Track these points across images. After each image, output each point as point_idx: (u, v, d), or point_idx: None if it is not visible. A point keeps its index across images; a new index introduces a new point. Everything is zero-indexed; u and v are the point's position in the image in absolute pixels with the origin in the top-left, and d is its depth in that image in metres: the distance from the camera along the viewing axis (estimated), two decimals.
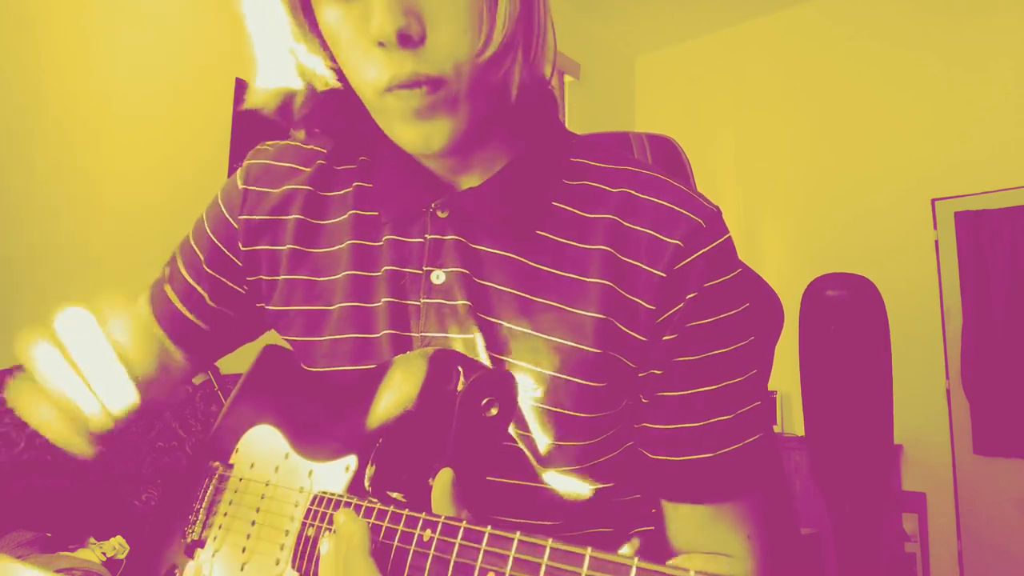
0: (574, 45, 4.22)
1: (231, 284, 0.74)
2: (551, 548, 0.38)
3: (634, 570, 0.34)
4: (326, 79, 0.61)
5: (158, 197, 2.44)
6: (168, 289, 0.76)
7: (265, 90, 0.63)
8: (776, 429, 3.88)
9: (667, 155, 0.95)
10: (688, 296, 0.58)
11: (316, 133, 0.71)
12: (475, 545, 0.42)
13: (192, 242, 0.76)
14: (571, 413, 0.60)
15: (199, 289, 0.74)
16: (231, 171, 2.63)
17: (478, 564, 0.41)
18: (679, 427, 0.60)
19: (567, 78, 4.15)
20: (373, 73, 0.54)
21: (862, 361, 1.60)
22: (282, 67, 0.62)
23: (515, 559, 0.39)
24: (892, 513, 3.50)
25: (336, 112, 0.64)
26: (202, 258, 0.74)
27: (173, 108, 2.46)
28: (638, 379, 0.61)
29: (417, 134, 0.56)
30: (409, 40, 0.52)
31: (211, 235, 0.74)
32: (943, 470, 3.59)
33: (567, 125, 3.80)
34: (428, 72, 0.53)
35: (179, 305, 0.75)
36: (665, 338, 0.59)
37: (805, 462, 2.76)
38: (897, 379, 1.68)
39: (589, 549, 0.36)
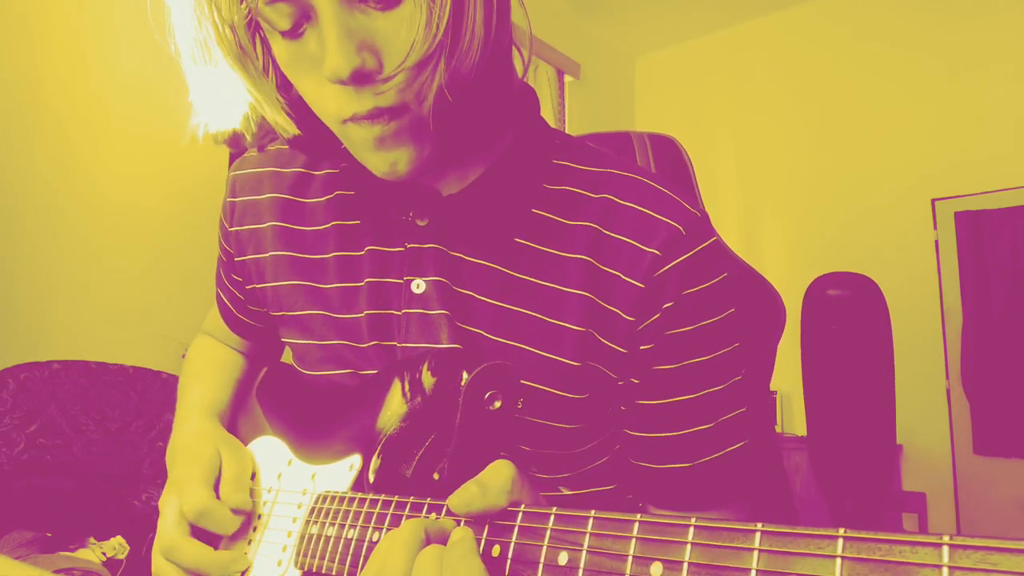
0: (574, 45, 4.22)
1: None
2: (555, 514, 0.38)
3: (636, 524, 0.34)
4: (286, 128, 0.59)
5: (158, 196, 2.44)
6: (220, 293, 0.81)
7: (216, 132, 0.61)
8: (777, 429, 3.88)
9: (669, 155, 0.95)
10: (665, 305, 0.56)
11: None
12: (480, 521, 0.42)
13: (220, 252, 0.79)
14: (553, 424, 0.60)
15: (237, 293, 0.78)
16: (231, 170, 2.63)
17: (483, 538, 0.41)
18: (658, 436, 0.60)
19: (567, 78, 4.15)
20: (332, 107, 0.53)
21: (864, 360, 1.60)
22: (230, 110, 0.58)
23: (520, 528, 0.39)
24: (892, 513, 3.50)
25: (301, 128, 0.61)
26: (227, 267, 0.78)
27: (173, 107, 2.46)
28: (618, 387, 0.60)
29: (383, 161, 0.55)
30: (365, 77, 0.49)
31: (225, 245, 0.76)
32: (943, 470, 3.59)
33: (567, 125, 3.73)
34: (389, 103, 0.51)
35: (230, 306, 0.80)
36: (643, 347, 0.58)
37: (806, 462, 2.76)
38: (897, 379, 1.68)
39: (593, 511, 0.36)
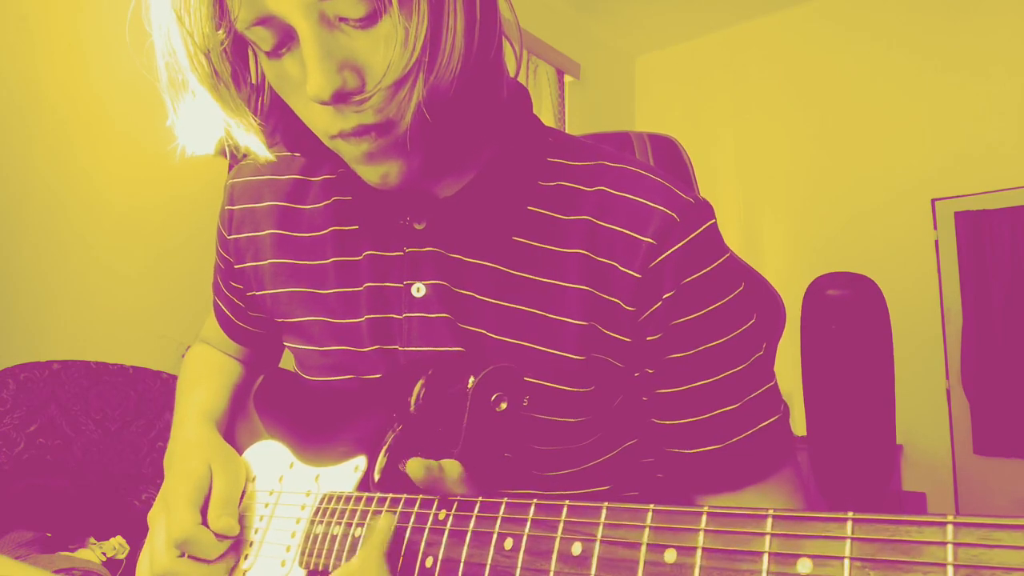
0: (574, 45, 4.22)
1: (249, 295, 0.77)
2: (568, 506, 0.38)
3: (650, 513, 0.34)
4: (258, 155, 0.59)
5: (158, 196, 2.44)
6: (218, 301, 0.81)
7: (204, 153, 0.60)
8: None
9: (668, 155, 0.95)
10: (665, 295, 0.56)
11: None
12: (491, 515, 0.42)
13: (218, 259, 0.79)
14: (558, 419, 0.60)
15: (236, 301, 0.78)
16: (231, 170, 2.63)
17: (495, 531, 0.41)
18: (684, 422, 0.59)
19: (567, 78, 4.15)
20: (320, 124, 0.53)
21: (864, 360, 1.60)
22: (207, 135, 0.58)
23: (533, 521, 0.39)
24: (892, 513, 3.50)
25: (296, 133, 0.61)
26: (225, 275, 0.77)
27: None
28: (632, 379, 0.60)
29: (374, 173, 0.55)
30: (347, 96, 0.49)
31: (224, 253, 0.76)
32: (943, 470, 3.60)
33: (567, 125, 3.72)
34: (374, 121, 0.51)
35: (228, 314, 0.80)
36: (649, 338, 0.58)
37: (806, 462, 2.76)
38: (897, 379, 1.69)
39: (606, 503, 0.37)
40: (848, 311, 1.60)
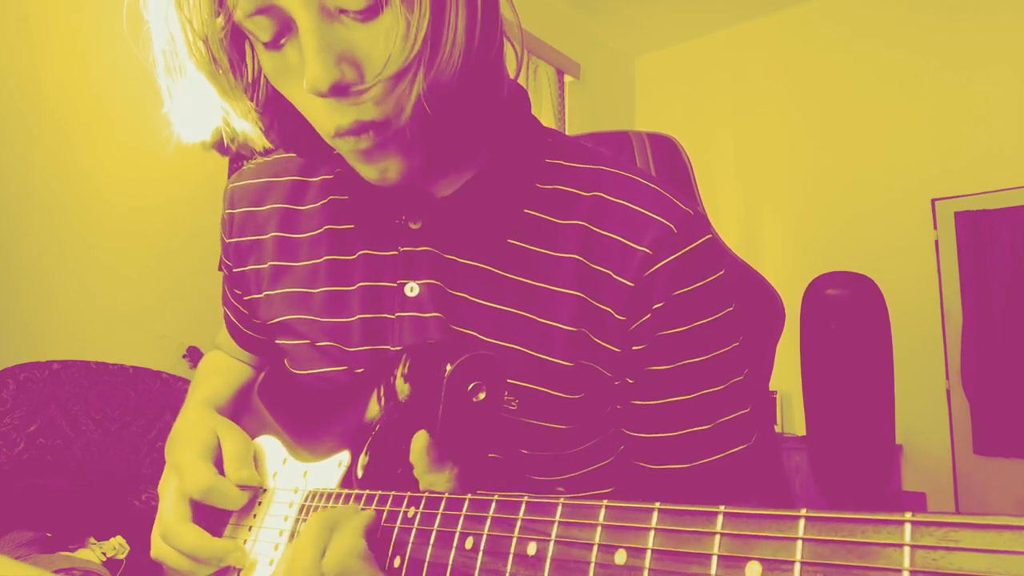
0: (574, 45, 4.22)
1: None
2: (527, 503, 0.38)
3: (603, 510, 0.34)
4: (256, 142, 0.59)
5: (158, 197, 2.44)
6: (226, 310, 0.82)
7: (199, 140, 0.60)
8: (776, 429, 3.88)
9: (668, 155, 0.95)
10: (655, 306, 0.56)
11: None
12: (456, 513, 0.42)
13: (224, 267, 0.79)
14: (548, 425, 0.59)
15: (240, 307, 0.78)
16: (231, 170, 2.64)
17: (458, 530, 0.41)
18: (654, 436, 0.59)
19: (567, 78, 4.15)
20: (319, 120, 0.53)
21: (863, 360, 1.60)
22: (203, 122, 0.58)
23: (493, 519, 0.39)
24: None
25: (293, 132, 0.60)
26: (229, 282, 0.78)
27: None
28: (614, 387, 0.60)
29: (372, 171, 0.55)
30: (345, 89, 0.49)
31: (224, 259, 0.77)
32: (943, 470, 3.59)
33: (567, 125, 3.70)
34: (372, 117, 0.50)
35: (235, 321, 0.80)
36: (635, 348, 0.57)
37: (805, 462, 2.76)
38: (897, 379, 1.69)
39: (562, 498, 0.37)
40: (848, 311, 1.60)
